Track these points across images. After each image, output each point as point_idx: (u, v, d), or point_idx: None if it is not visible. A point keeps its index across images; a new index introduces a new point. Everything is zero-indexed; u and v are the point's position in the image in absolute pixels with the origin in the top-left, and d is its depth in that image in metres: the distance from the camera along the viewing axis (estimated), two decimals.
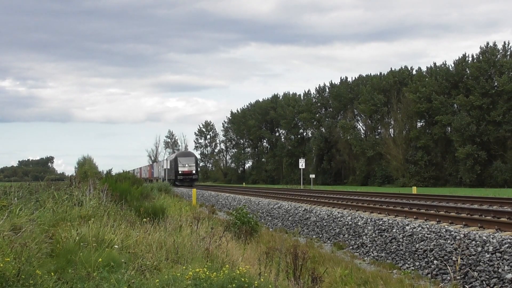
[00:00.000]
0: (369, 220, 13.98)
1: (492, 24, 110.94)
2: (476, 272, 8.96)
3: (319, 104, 78.96)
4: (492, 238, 9.47)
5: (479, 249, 9.36)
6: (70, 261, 7.04)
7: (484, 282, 8.64)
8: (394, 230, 12.36)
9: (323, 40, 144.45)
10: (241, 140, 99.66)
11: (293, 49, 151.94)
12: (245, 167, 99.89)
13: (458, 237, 10.18)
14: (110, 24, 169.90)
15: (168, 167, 56.48)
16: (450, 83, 57.05)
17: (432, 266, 10.10)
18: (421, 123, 62.79)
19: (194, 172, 57.43)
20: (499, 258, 8.83)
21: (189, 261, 7.60)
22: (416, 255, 10.86)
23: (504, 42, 55.05)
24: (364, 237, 13.35)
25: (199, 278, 6.18)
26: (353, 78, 75.04)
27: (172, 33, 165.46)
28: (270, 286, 6.31)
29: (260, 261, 7.96)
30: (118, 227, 9.33)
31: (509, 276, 8.32)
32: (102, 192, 14.23)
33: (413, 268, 10.56)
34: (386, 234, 12.56)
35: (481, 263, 9.02)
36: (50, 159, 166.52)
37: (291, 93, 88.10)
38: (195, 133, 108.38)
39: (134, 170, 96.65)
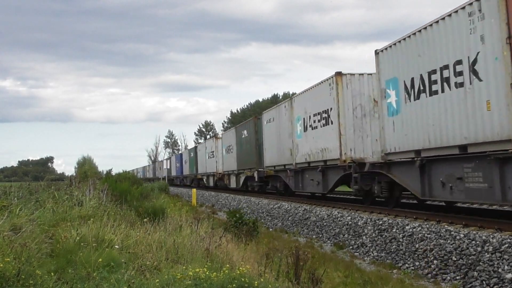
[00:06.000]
0: (369, 220, 13.97)
1: None
2: (476, 272, 8.96)
3: None
4: (492, 238, 9.46)
5: (479, 249, 9.36)
6: (70, 261, 7.04)
7: (484, 282, 8.64)
8: (394, 230, 12.36)
9: (324, 39, 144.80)
10: None
11: (294, 49, 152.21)
12: None
13: (458, 237, 10.18)
14: (110, 24, 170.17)
15: None
16: None
17: (432, 266, 10.10)
18: None
19: None
20: (499, 258, 8.83)
21: (189, 261, 7.59)
22: (416, 255, 10.85)
23: None
24: (364, 237, 13.35)
25: (199, 278, 6.18)
26: None
27: (173, 33, 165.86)
28: (270, 286, 6.31)
29: (261, 262, 7.95)
30: (118, 227, 9.32)
31: (509, 276, 8.32)
32: (102, 192, 14.23)
33: (413, 268, 10.55)
34: (386, 234, 12.56)
35: (481, 263, 9.02)
36: (50, 159, 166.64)
37: (291, 92, 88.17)
38: (195, 133, 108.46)
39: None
